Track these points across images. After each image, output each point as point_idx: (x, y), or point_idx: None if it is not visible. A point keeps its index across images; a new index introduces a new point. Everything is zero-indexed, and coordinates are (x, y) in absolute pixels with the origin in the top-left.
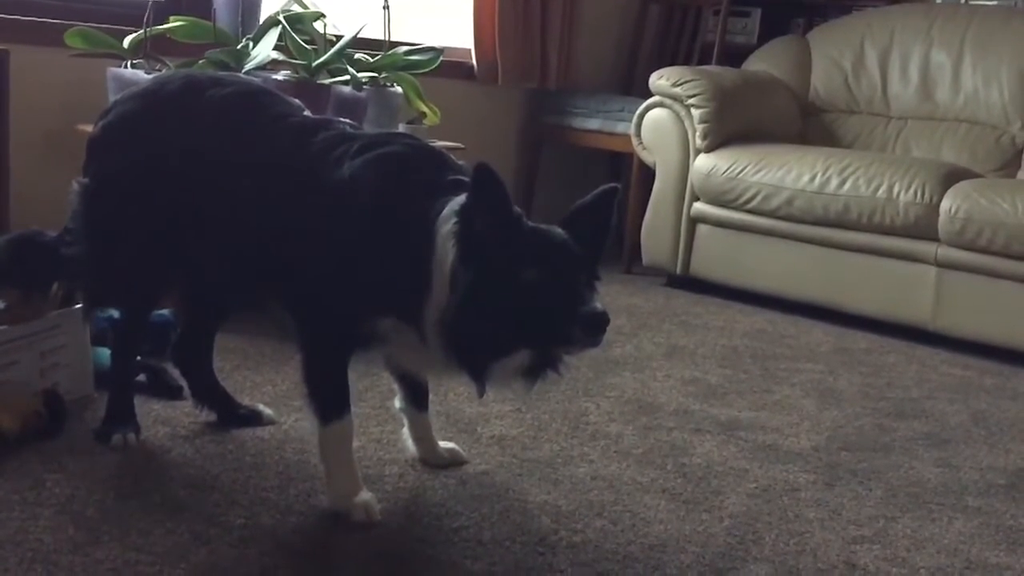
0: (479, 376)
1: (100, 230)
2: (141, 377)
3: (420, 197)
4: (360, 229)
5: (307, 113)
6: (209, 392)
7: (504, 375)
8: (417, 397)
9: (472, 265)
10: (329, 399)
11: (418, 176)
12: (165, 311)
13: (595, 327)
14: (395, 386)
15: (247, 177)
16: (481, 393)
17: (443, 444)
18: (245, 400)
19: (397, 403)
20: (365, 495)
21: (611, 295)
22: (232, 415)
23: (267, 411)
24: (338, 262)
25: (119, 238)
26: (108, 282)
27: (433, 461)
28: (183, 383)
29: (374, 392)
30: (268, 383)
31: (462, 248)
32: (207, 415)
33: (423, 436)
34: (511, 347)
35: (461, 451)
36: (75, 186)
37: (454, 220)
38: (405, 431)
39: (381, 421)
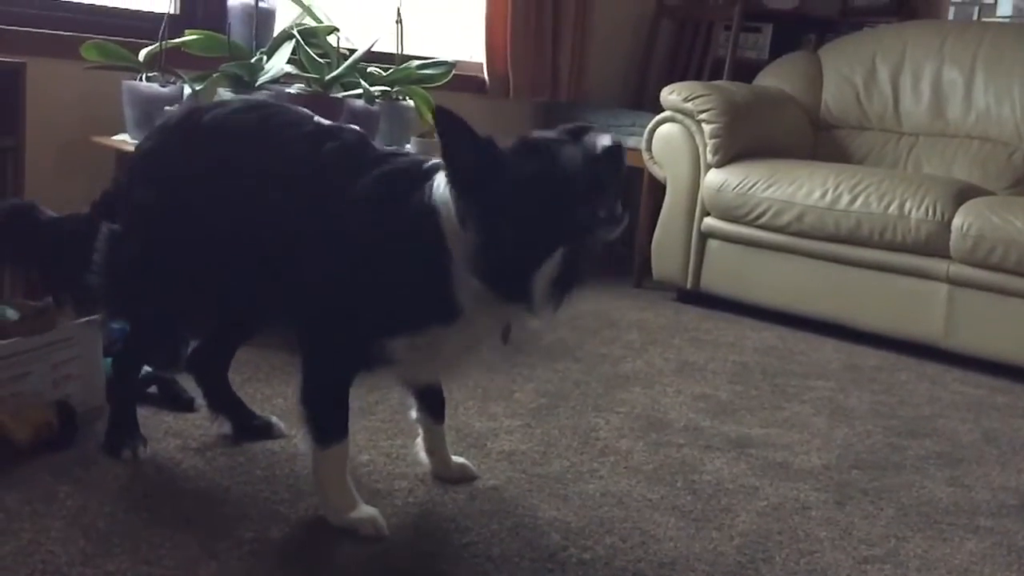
0: (526, 296)
1: (133, 265)
2: (152, 389)
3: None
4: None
5: (317, 120)
6: (224, 402)
7: (544, 290)
8: (434, 408)
9: (473, 198)
10: (331, 423)
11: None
12: None
13: (604, 192)
14: (410, 398)
15: (262, 195)
16: (537, 314)
17: (454, 459)
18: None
19: (413, 414)
20: (367, 509)
21: (621, 310)
22: (246, 426)
23: (279, 423)
24: (353, 283)
25: (153, 272)
26: (134, 307)
27: (444, 475)
28: (194, 395)
29: (384, 405)
30: (279, 396)
31: (460, 189)
32: (219, 427)
33: (436, 449)
34: (541, 254)
35: (472, 467)
36: (104, 231)
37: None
38: (419, 442)
39: (391, 435)
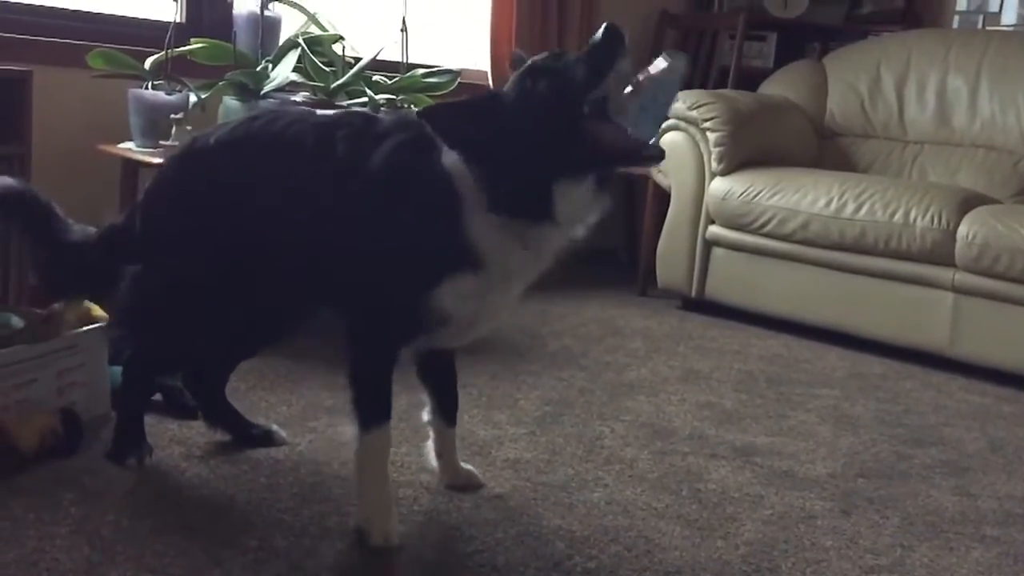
0: (547, 209)
1: (162, 293)
2: (156, 396)
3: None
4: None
5: (319, 112)
6: (219, 413)
7: (567, 202)
8: (447, 411)
9: (493, 155)
10: (374, 402)
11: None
12: None
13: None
14: (424, 397)
15: (287, 193)
16: (563, 228)
17: (463, 466)
18: (260, 421)
19: (425, 415)
20: (390, 519)
21: (626, 318)
22: (245, 435)
23: (280, 432)
24: (386, 252)
25: (184, 297)
26: (161, 330)
27: (450, 481)
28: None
29: None
30: (283, 403)
31: (469, 155)
32: (221, 435)
33: (446, 453)
34: (555, 161)
35: (478, 475)
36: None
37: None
38: (429, 444)
39: (395, 443)
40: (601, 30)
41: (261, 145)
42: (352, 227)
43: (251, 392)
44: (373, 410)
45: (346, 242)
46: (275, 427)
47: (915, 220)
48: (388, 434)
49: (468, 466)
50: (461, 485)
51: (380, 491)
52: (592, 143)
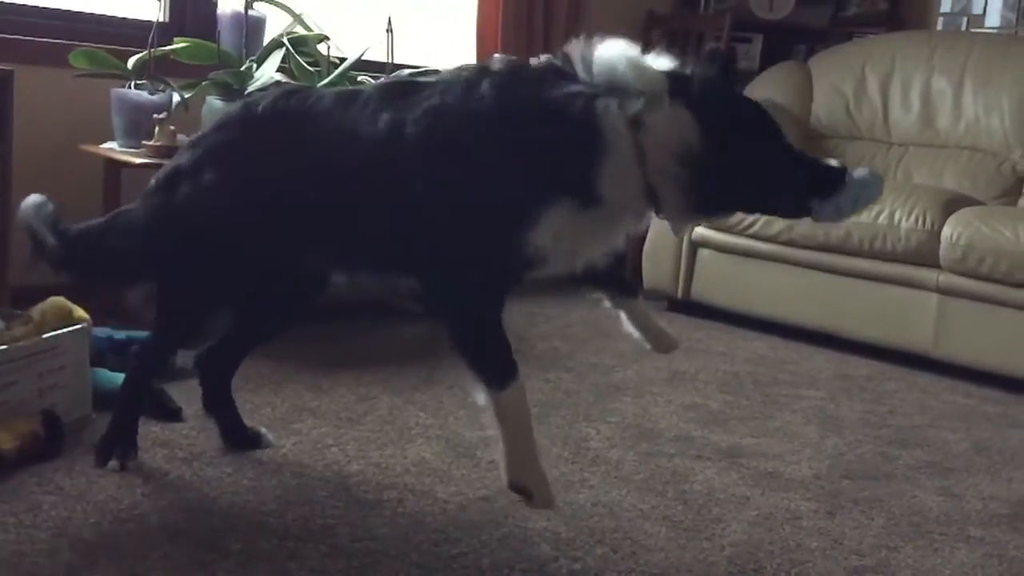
0: (709, 219)
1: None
2: None
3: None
4: (500, 132)
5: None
6: (220, 405)
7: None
8: (622, 284)
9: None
10: (500, 357)
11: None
12: None
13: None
14: (594, 295)
15: (361, 151)
16: (680, 228)
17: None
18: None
19: (606, 303)
20: (546, 480)
21: (612, 320)
22: (236, 433)
23: (268, 434)
24: (485, 176)
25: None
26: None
27: (664, 346)
28: (182, 405)
29: (374, 415)
30: (267, 405)
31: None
32: (207, 437)
33: (647, 323)
34: (749, 205)
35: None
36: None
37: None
38: (625, 324)
39: (380, 445)
40: (864, 175)
41: (323, 113)
42: (450, 167)
43: (235, 394)
44: (502, 365)
45: (442, 186)
46: (264, 430)
47: (900, 221)
48: (523, 387)
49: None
50: (675, 346)
51: (532, 452)
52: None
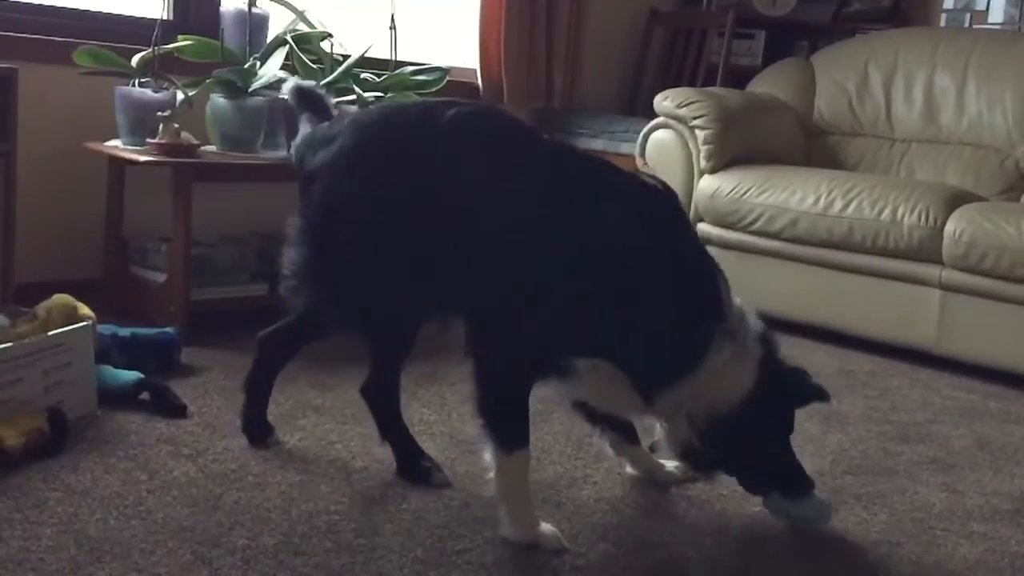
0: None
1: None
2: (144, 395)
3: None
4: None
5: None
6: (393, 429)
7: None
8: (625, 430)
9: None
10: (514, 426)
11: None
12: (169, 329)
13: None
14: (595, 426)
15: (495, 198)
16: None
17: (667, 464)
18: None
19: (608, 448)
20: (546, 526)
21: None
22: (410, 461)
23: (443, 473)
24: (593, 288)
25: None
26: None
27: (669, 481)
28: (186, 401)
29: None
30: (272, 402)
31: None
32: (210, 436)
33: (650, 466)
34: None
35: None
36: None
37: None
38: (629, 468)
39: (384, 442)
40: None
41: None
42: (572, 257)
43: (236, 393)
44: (513, 433)
45: (556, 264)
46: (440, 468)
47: (903, 218)
48: (528, 458)
49: (673, 463)
50: (681, 480)
51: (527, 506)
52: None
